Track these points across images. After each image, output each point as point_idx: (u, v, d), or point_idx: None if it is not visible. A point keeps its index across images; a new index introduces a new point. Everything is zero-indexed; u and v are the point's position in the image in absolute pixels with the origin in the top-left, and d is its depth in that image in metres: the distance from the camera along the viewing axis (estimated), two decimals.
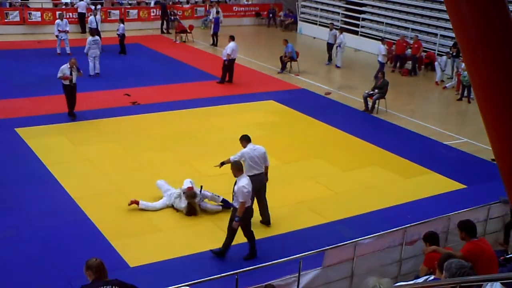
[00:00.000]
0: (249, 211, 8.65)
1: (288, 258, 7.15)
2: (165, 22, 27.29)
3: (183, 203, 10.04)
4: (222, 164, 9.84)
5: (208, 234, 9.55)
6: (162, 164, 12.03)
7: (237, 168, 8.63)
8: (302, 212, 10.46)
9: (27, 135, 13.27)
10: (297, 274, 6.90)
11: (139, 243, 9.10)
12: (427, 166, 12.76)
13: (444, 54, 20.72)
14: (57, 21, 21.70)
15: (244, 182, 8.46)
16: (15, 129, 13.62)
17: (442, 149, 14.05)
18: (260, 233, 9.57)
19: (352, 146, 13.98)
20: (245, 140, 9.67)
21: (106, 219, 9.77)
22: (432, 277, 6.23)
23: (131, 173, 11.63)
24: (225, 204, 10.16)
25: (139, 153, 12.73)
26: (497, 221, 9.25)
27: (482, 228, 8.72)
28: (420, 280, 6.56)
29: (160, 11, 27.54)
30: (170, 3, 28.72)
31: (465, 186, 11.86)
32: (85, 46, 18.61)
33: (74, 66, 14.24)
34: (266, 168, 9.67)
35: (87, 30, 23.29)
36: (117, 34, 22.04)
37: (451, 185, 11.89)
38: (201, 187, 10.29)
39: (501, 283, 5.52)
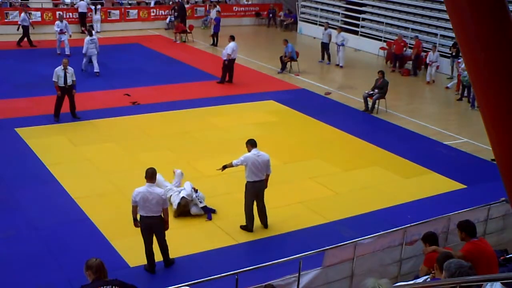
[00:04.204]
0: (143, 221, 8.25)
1: (288, 258, 7.14)
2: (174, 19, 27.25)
3: (176, 200, 10.11)
4: (224, 167, 9.72)
5: (208, 234, 9.56)
6: (162, 164, 11.99)
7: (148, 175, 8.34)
8: (302, 212, 10.46)
9: (27, 135, 13.27)
10: (297, 274, 6.89)
11: (139, 243, 9.07)
12: (427, 166, 12.76)
13: (431, 50, 20.64)
14: (57, 22, 21.70)
15: (138, 189, 8.19)
16: (15, 129, 13.63)
17: (442, 149, 14.04)
18: (260, 233, 9.61)
19: (352, 146, 13.97)
20: (250, 144, 9.51)
21: (106, 219, 9.78)
22: (430, 278, 6.23)
23: (131, 173, 11.60)
24: (206, 210, 10.18)
25: (139, 153, 12.72)
26: (497, 221, 9.24)
27: (482, 228, 8.71)
28: (420, 280, 6.56)
29: (175, 9, 27.45)
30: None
31: (465, 186, 11.85)
32: (83, 46, 18.66)
33: (67, 66, 14.19)
34: (267, 176, 9.58)
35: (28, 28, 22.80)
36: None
37: (451, 185, 11.89)
38: (197, 190, 10.32)
39: (501, 283, 5.52)
